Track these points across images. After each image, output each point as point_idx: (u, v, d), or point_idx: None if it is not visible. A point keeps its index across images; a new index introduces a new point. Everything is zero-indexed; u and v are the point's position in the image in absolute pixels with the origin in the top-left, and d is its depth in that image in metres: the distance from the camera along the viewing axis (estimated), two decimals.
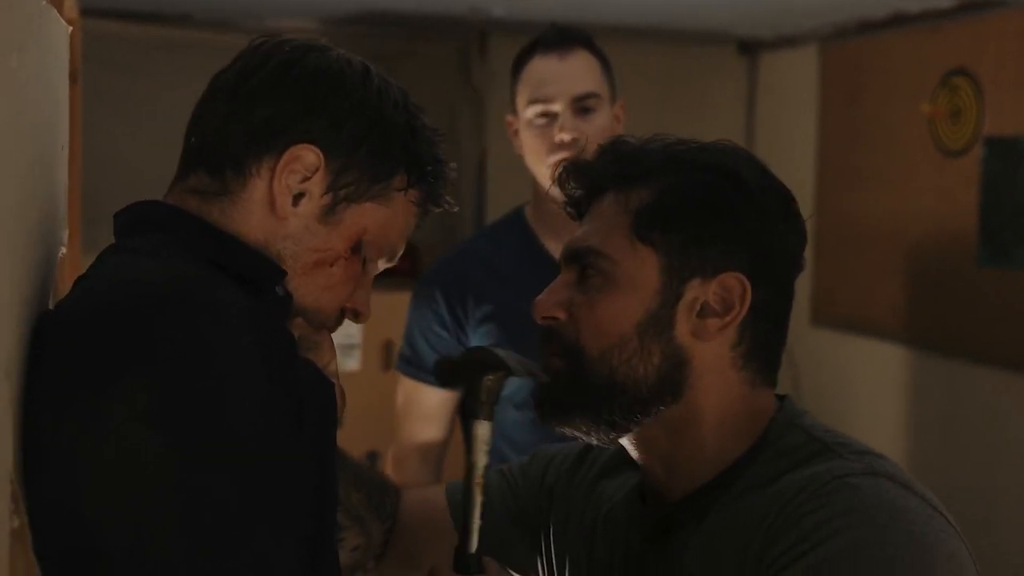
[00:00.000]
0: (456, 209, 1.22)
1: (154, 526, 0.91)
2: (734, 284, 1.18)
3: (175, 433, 0.92)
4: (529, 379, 1.21)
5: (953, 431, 3.52)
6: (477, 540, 1.17)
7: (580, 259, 1.22)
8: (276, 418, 0.98)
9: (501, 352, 1.20)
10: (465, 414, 1.19)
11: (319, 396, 1.08)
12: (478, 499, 1.18)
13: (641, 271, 1.19)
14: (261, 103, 1.11)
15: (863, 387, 3.91)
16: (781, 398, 1.25)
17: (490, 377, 1.18)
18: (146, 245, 1.08)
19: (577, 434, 1.22)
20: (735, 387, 1.20)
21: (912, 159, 3.64)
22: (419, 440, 2.28)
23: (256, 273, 1.09)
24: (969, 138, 3.41)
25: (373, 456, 3.43)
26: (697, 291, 1.18)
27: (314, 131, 1.11)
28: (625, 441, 1.23)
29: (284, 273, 1.11)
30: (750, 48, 4.42)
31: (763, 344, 1.21)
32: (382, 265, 1.19)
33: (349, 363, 3.61)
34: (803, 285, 4.07)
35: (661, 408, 1.19)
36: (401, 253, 1.19)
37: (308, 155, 1.10)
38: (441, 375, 1.27)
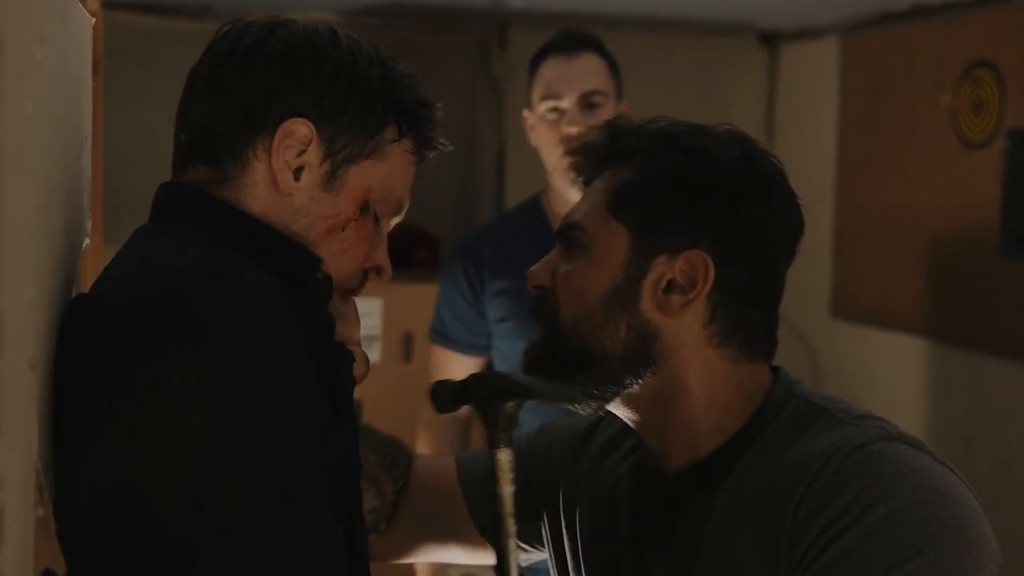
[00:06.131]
0: (451, 149, 1.23)
1: (208, 501, 0.94)
2: (698, 261, 1.20)
3: (225, 410, 0.95)
4: (562, 403, 1.21)
5: (974, 424, 3.51)
6: (516, 572, 1.17)
7: (565, 232, 1.26)
8: (316, 391, 1.02)
9: (521, 376, 1.21)
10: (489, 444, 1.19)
11: (340, 363, 1.11)
12: (511, 529, 1.18)
13: (611, 245, 1.22)
14: (241, 88, 1.13)
15: (884, 380, 3.90)
16: (775, 370, 1.27)
17: (510, 404, 1.19)
18: (179, 230, 1.11)
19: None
20: (716, 364, 1.22)
21: (934, 151, 3.62)
22: None
23: (294, 266, 1.12)
24: (991, 130, 3.39)
25: None
26: (663, 267, 1.21)
27: (298, 104, 1.13)
28: (618, 412, 1.25)
29: (320, 260, 1.13)
30: (771, 39, 4.40)
31: (741, 323, 1.23)
32: (393, 222, 1.21)
33: (370, 355, 3.62)
34: (823, 277, 4.09)
35: (636, 380, 1.21)
36: (407, 205, 1.22)
37: (300, 128, 1.12)
38: (439, 400, 1.22)
